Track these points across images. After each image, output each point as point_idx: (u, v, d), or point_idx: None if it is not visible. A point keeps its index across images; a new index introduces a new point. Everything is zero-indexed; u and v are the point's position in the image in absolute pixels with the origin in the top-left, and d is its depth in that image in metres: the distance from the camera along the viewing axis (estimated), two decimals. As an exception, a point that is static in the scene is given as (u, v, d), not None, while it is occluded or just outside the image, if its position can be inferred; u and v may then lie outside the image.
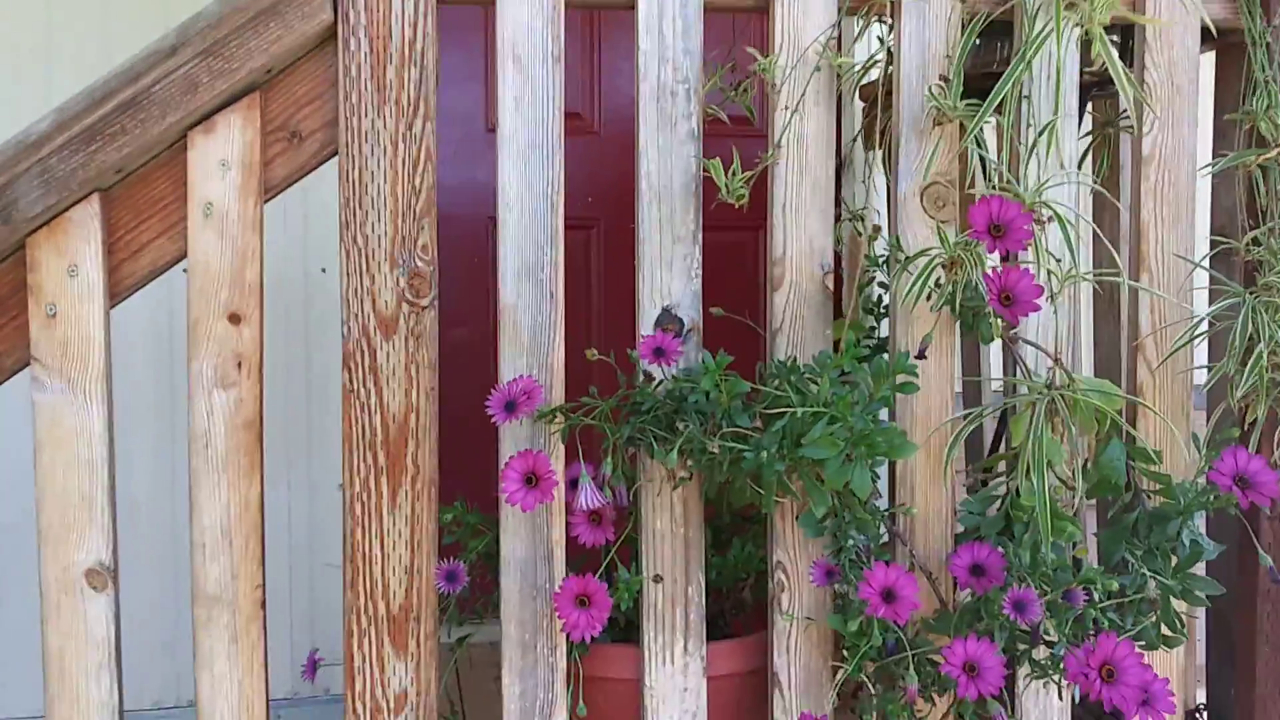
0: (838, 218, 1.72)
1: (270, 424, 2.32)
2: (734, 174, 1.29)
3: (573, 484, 1.29)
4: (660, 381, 1.30)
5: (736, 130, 1.46)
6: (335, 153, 1.26)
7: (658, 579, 1.33)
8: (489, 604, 1.41)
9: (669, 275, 1.34)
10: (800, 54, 1.32)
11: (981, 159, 1.31)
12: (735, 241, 2.39)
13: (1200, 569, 1.51)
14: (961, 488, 1.61)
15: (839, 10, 1.33)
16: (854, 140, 2.26)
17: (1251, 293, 1.31)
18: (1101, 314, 1.82)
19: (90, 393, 1.24)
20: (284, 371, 2.34)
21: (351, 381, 1.26)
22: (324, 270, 2.36)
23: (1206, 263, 1.40)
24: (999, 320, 1.28)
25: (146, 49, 1.21)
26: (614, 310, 2.59)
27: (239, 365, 1.26)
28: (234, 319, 1.26)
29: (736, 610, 1.54)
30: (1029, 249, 1.25)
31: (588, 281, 2.63)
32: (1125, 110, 1.51)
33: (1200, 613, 1.58)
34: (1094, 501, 1.52)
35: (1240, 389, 1.26)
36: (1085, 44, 1.34)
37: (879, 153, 1.61)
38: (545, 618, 1.33)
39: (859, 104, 1.95)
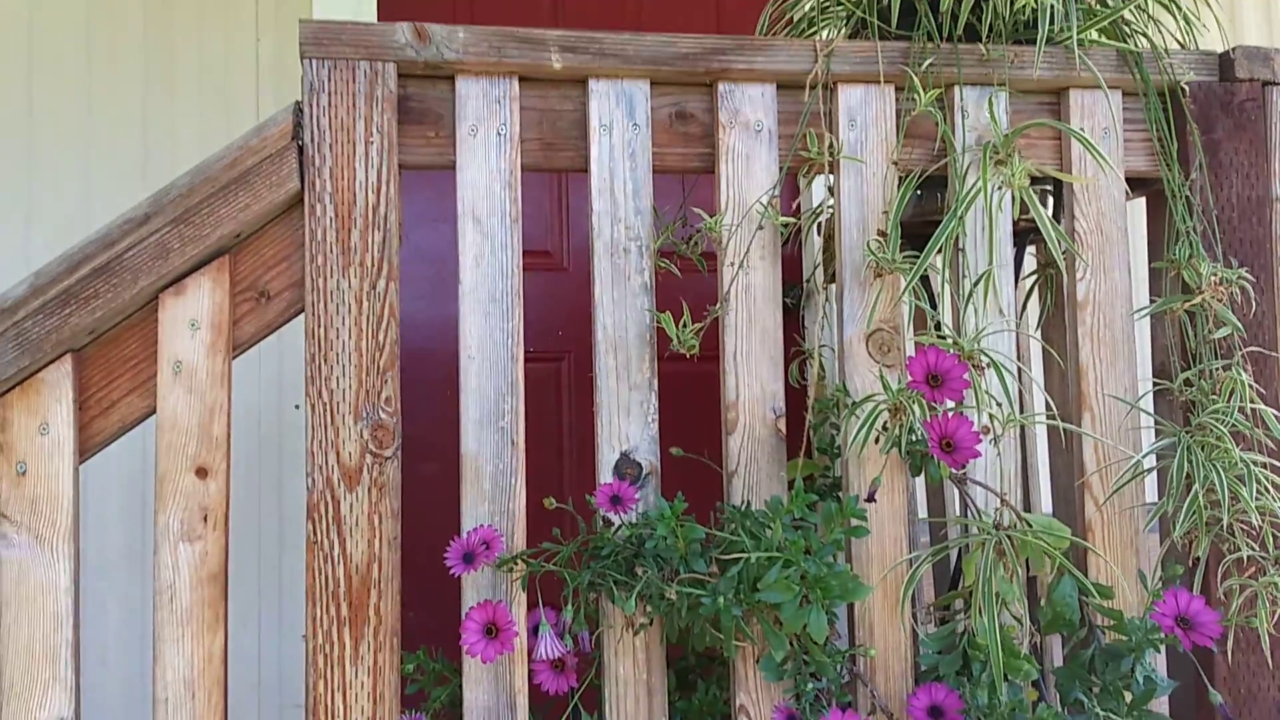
0: (798, 354, 1.78)
1: (242, 561, 2.33)
2: (684, 326, 1.35)
3: (534, 631, 1.31)
4: (619, 526, 1.33)
5: (688, 279, 1.52)
6: (301, 311, 1.31)
7: (617, 726, 1.34)
8: (455, 754, 1.41)
9: (626, 421, 1.39)
10: (744, 212, 1.39)
11: (922, 308, 1.37)
12: (700, 372, 2.45)
13: (1163, 703, 1.53)
14: (928, 623, 1.63)
15: (780, 170, 1.41)
16: (812, 274, 2.34)
17: (1187, 432, 1.36)
18: (1056, 447, 1.86)
19: (58, 549, 1.26)
20: (256, 508, 2.36)
21: (315, 533, 1.28)
22: (297, 407, 2.40)
23: (1144, 403, 1.45)
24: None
25: (121, 216, 1.27)
26: (586, 438, 2.63)
27: (205, 518, 1.29)
28: (201, 472, 1.29)
29: (701, 752, 1.53)
30: (968, 395, 1.30)
31: (559, 412, 2.68)
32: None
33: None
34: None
35: (1179, 528, 1.30)
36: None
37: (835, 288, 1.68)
38: (507, 766, 1.33)
39: (817, 239, 2.03)
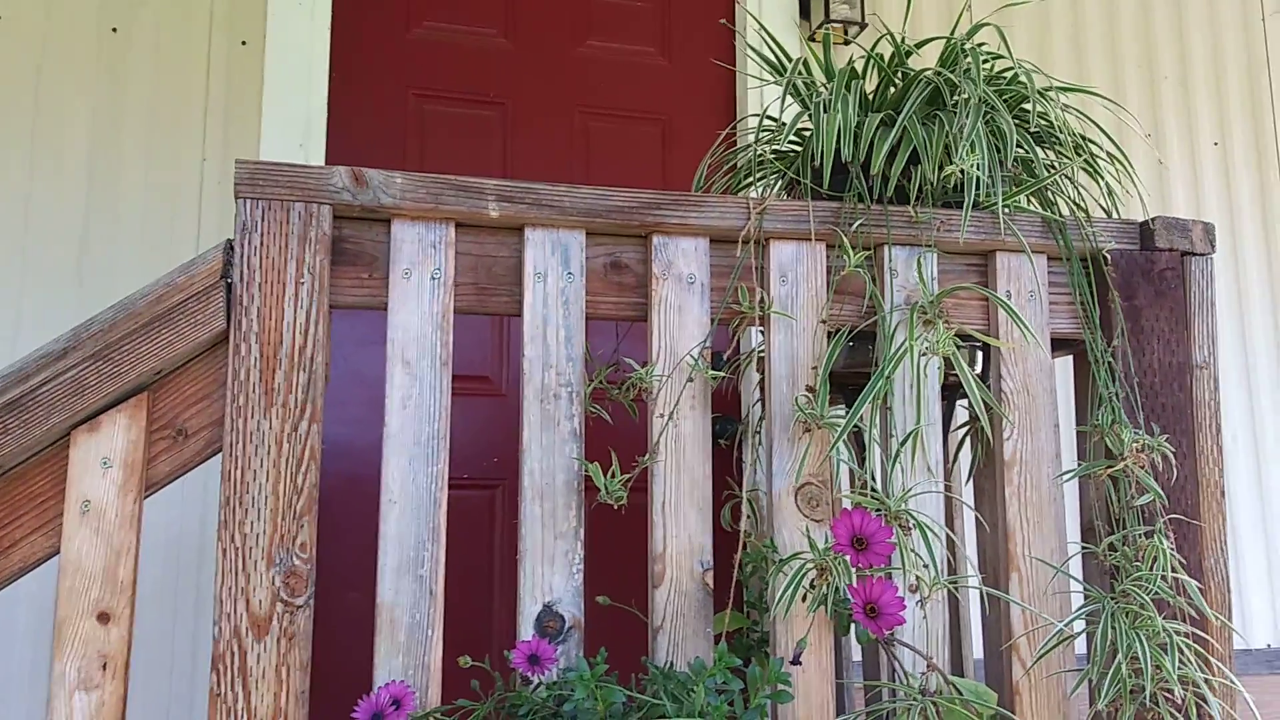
0: (730, 496, 1.76)
1: (155, 699, 2.22)
2: (613, 475, 1.34)
3: (443, 793, 1.25)
4: (539, 684, 1.29)
5: (620, 424, 1.52)
6: (219, 450, 1.28)
7: None
8: None
9: (550, 571, 1.36)
10: (676, 363, 1.40)
11: (850, 465, 1.37)
12: (632, 510, 2.43)
13: None
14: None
15: (712, 322, 1.42)
16: (748, 411, 2.35)
17: (1112, 598, 1.36)
18: (991, 619, 1.86)
19: (-60, 696, 1.20)
20: (170, 641, 2.27)
21: (219, 685, 1.23)
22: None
23: (1072, 565, 1.45)
24: (871, 623, 1.30)
25: (38, 350, 1.24)
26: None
27: (104, 666, 1.23)
28: (103, 618, 1.23)
29: None
30: (892, 558, 1.29)
31: (490, 544, 2.63)
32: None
33: None
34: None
35: (1105, 696, 1.29)
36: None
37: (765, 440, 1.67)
38: None
39: (755, 375, 2.04)
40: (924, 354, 1.35)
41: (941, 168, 1.45)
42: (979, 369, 1.67)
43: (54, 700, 1.22)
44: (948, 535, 1.38)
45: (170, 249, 2.38)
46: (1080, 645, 1.52)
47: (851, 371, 1.61)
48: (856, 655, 2.16)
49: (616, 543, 2.61)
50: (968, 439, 1.79)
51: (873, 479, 1.41)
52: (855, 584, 1.22)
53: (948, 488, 1.49)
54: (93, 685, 1.22)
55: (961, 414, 1.84)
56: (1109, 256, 1.54)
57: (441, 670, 1.31)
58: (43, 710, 2.20)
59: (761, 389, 1.64)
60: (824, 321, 1.43)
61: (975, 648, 1.80)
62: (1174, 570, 1.35)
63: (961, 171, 1.42)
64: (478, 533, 2.60)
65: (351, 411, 2.51)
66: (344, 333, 2.50)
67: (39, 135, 2.38)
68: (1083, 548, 1.47)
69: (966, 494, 1.77)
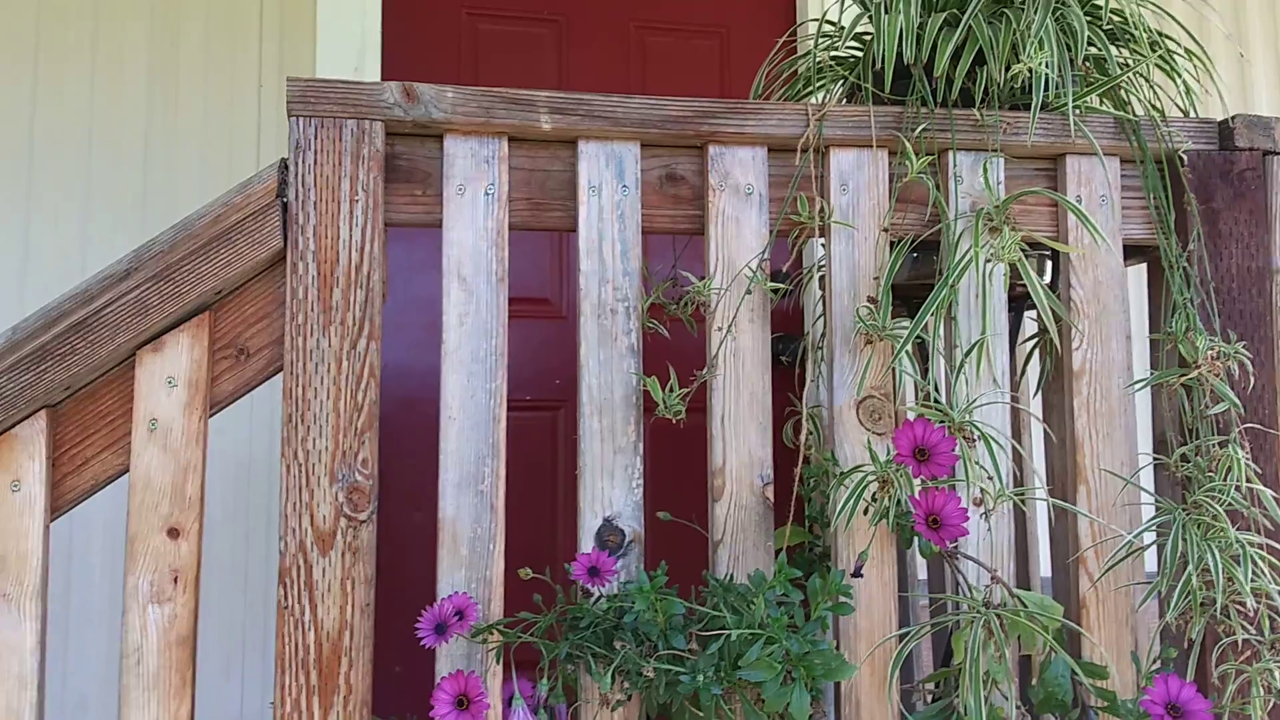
0: (793, 414, 1.75)
1: (229, 614, 2.30)
2: (671, 390, 1.32)
3: (509, 703, 1.27)
4: (599, 596, 1.30)
5: (678, 340, 1.50)
6: (280, 369, 1.29)
7: (591, 805, 1.30)
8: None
9: (610, 486, 1.36)
10: (734, 276, 1.37)
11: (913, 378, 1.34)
12: (692, 430, 2.43)
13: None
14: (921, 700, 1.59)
15: (770, 234, 1.39)
16: (811, 328, 2.32)
17: (1184, 510, 1.33)
18: (1058, 513, 1.83)
19: (24, 609, 1.24)
20: (244, 561, 2.33)
21: (286, 598, 1.25)
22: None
23: (1142, 477, 1.42)
24: (934, 536, 1.29)
25: (102, 272, 1.26)
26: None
27: (175, 580, 1.26)
28: (173, 533, 1.26)
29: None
30: (956, 470, 1.27)
31: (554, 463, 2.65)
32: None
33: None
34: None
35: (1173, 609, 1.27)
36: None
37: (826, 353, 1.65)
38: (479, 841, 1.29)
39: (818, 291, 2.00)
40: (989, 261, 1.31)
41: (1008, 68, 1.39)
42: (1048, 279, 1.62)
43: (128, 614, 1.26)
44: (1014, 447, 1.35)
45: (231, 172, 2.39)
46: (1151, 562, 1.49)
47: (915, 284, 1.57)
48: (923, 574, 2.15)
49: (679, 460, 2.61)
50: (1036, 352, 1.75)
51: (936, 391, 1.38)
52: (917, 495, 1.20)
53: (1014, 399, 1.46)
54: (165, 598, 1.25)
55: (1030, 326, 1.80)
56: (1185, 158, 1.47)
57: (504, 584, 1.33)
58: (111, 660, 2.28)
59: (823, 302, 1.62)
60: (886, 230, 1.39)
61: (1043, 566, 1.77)
62: (1249, 480, 1.31)
63: (1029, 70, 1.36)
64: (541, 453, 2.62)
65: (412, 336, 2.52)
66: (401, 258, 2.51)
67: (99, 64, 2.40)
68: (1154, 459, 1.43)
69: (1035, 407, 1.73)
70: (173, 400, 1.27)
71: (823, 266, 1.54)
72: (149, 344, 1.27)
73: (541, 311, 2.65)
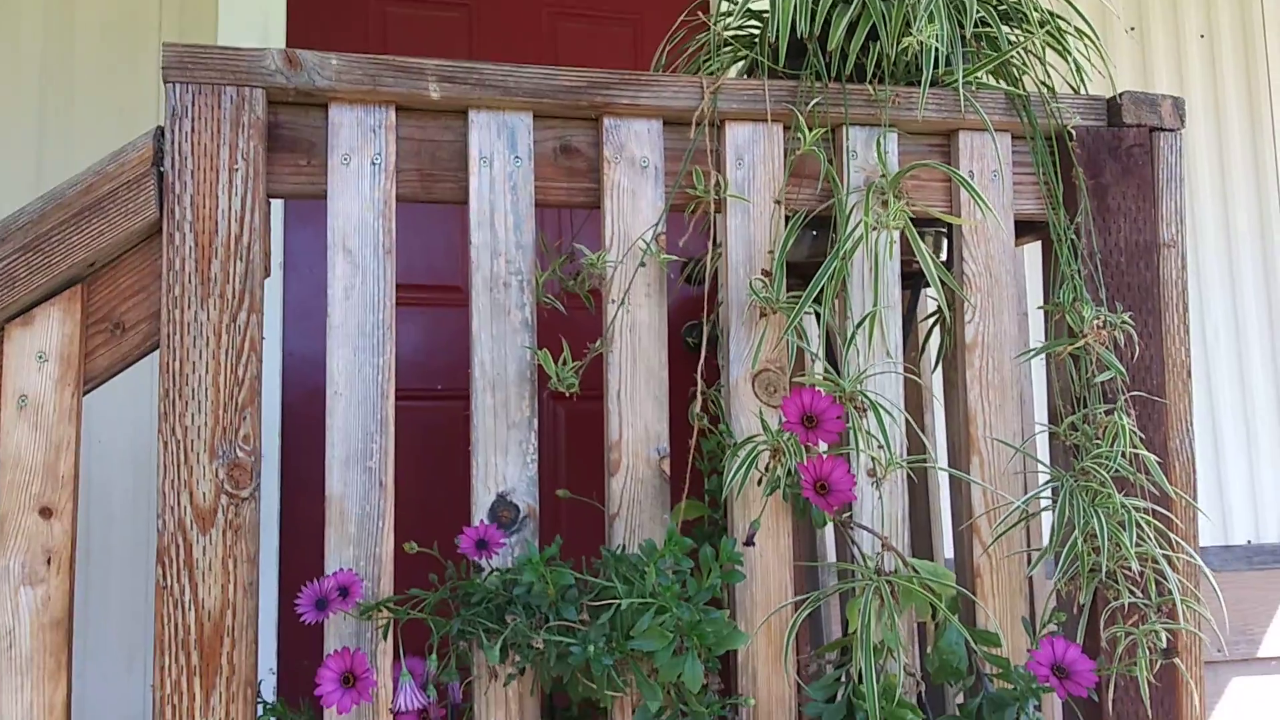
0: (694, 395, 1.74)
1: (131, 604, 2.23)
2: (564, 363, 1.31)
3: (397, 682, 1.25)
4: (491, 572, 1.28)
5: (577, 317, 1.49)
6: (159, 344, 1.25)
7: (480, 782, 1.28)
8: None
9: (504, 461, 1.34)
10: (629, 248, 1.36)
11: (803, 350, 1.35)
12: (590, 412, 2.43)
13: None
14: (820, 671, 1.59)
15: (666, 207, 1.38)
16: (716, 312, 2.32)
17: (1071, 477, 1.34)
18: (956, 489, 1.85)
19: (-116, 593, 1.19)
20: (146, 549, 2.27)
21: (165, 577, 1.22)
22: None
23: (1032, 447, 1.43)
24: (828, 506, 1.29)
25: (-35, 243, 1.21)
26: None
27: (48, 561, 1.22)
28: (45, 513, 1.22)
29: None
30: (846, 438, 1.27)
31: (468, 453, 2.61)
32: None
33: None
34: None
35: (1061, 572, 1.28)
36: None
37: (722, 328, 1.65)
38: (370, 825, 1.27)
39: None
40: (876, 229, 1.31)
41: (899, 41, 1.40)
42: (944, 257, 1.63)
43: None
44: (906, 419, 1.36)
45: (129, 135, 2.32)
46: (1046, 536, 1.51)
47: (812, 263, 1.57)
48: (830, 556, 2.16)
49: (582, 441, 2.60)
50: (932, 333, 1.77)
51: (830, 363, 1.39)
52: (806, 462, 1.20)
53: (910, 373, 1.47)
54: (38, 580, 1.21)
55: (932, 305, 1.81)
56: (1074, 133, 1.49)
57: (394, 563, 1.30)
58: None
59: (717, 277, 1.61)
60: (780, 203, 1.39)
61: (947, 547, 1.79)
62: (1134, 447, 1.33)
63: (920, 45, 1.37)
64: (451, 444, 2.58)
65: (320, 322, 2.47)
66: (310, 240, 2.46)
67: (-13, 42, 2.32)
68: (1045, 427, 1.45)
69: (936, 386, 1.75)
70: (44, 376, 1.23)
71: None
72: (18, 318, 1.22)
73: (453, 300, 2.62)
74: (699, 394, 1.41)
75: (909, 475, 1.44)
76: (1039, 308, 1.48)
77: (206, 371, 1.23)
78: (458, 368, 2.59)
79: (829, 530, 2.03)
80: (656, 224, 1.38)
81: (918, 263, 1.49)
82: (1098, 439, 1.35)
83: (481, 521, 1.29)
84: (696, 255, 1.73)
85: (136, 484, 2.28)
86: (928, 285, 1.69)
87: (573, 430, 2.61)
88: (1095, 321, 1.35)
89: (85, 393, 1.25)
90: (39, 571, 1.21)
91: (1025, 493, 1.43)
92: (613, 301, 1.36)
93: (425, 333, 2.57)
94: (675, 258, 1.36)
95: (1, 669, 1.21)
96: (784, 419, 1.20)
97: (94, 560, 2.26)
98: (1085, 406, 1.38)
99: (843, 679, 1.37)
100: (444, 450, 2.55)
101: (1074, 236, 1.43)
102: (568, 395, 1.32)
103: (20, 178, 2.31)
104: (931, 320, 1.76)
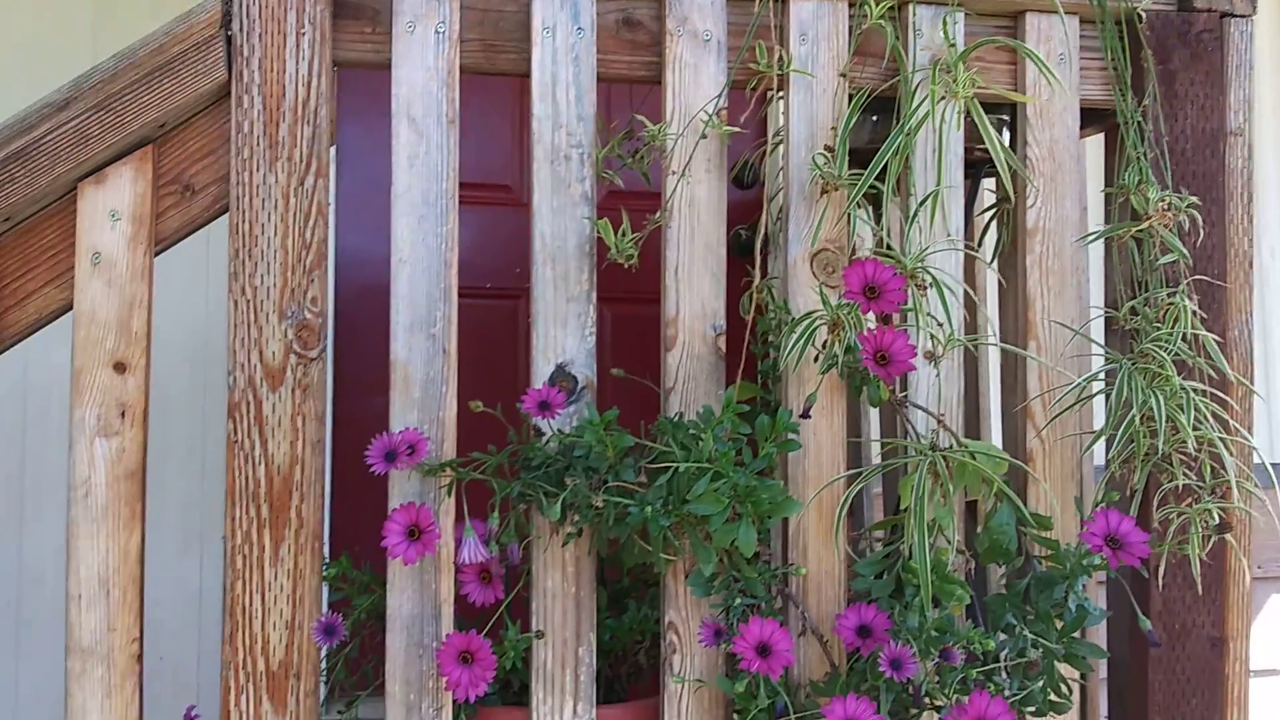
0: (749, 284, 1.74)
1: (188, 495, 2.29)
2: (623, 234, 1.32)
3: (459, 542, 1.28)
4: (551, 437, 1.30)
5: (635, 196, 1.49)
6: (227, 209, 1.27)
7: (539, 634, 1.31)
8: (381, 668, 1.38)
9: (563, 333, 1.36)
10: (689, 121, 1.36)
11: (867, 227, 1.34)
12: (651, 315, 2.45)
13: (1100, 635, 1.52)
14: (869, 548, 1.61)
15: (727, 82, 1.37)
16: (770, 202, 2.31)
17: (1130, 359, 1.34)
18: (1009, 387, 1.85)
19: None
20: (201, 401, 2.32)
21: (236, 432, 1.25)
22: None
23: (1089, 330, 1.43)
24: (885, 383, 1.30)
25: (40, 101, 1.23)
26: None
27: (123, 414, 1.25)
28: (119, 367, 1.25)
29: (633, 675, 1.52)
30: (910, 315, 1.28)
31: (514, 353, 2.64)
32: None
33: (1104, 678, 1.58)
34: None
35: (1115, 453, 1.29)
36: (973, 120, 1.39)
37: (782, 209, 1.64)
38: (430, 677, 1.31)
39: (779, 162, 1.99)
40: (943, 98, 1.30)
41: (971, -85, 1.37)
42: (1004, 146, 1.61)
43: (74, 447, 1.25)
44: (966, 294, 1.35)
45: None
46: (1099, 422, 1.51)
47: (872, 148, 1.55)
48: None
49: (630, 332, 2.60)
50: (990, 224, 1.75)
51: (890, 240, 1.38)
52: (866, 332, 1.21)
53: (970, 249, 1.46)
54: (112, 432, 1.25)
55: (990, 199, 1.80)
56: (1144, 16, 1.47)
57: (456, 428, 1.33)
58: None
59: (782, 157, 1.60)
60: (844, 76, 1.38)
61: (995, 435, 1.79)
62: (1195, 329, 1.33)
63: (992, -82, 1.34)
64: (499, 342, 2.60)
65: (372, 218, 2.49)
66: (361, 137, 2.47)
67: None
68: (1104, 312, 1.44)
69: (990, 284, 1.74)
70: (116, 234, 1.25)
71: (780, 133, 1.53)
72: (90, 176, 1.25)
73: (502, 198, 2.62)
74: (754, 277, 1.42)
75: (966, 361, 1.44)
76: (1104, 191, 1.47)
77: (275, 233, 1.25)
78: (506, 267, 2.61)
79: (874, 422, 2.03)
80: (718, 97, 1.37)
81: (979, 150, 1.48)
82: (1158, 322, 1.35)
83: (544, 384, 1.31)
84: (747, 157, 1.72)
85: (193, 378, 2.32)
86: (988, 175, 1.68)
87: (618, 334, 2.62)
88: (1160, 204, 1.33)
89: (156, 254, 1.28)
90: (114, 424, 1.25)
91: (1080, 376, 1.43)
92: (673, 173, 1.36)
93: (473, 231, 2.58)
94: (737, 129, 1.36)
95: (79, 516, 1.25)
96: (845, 288, 1.20)
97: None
98: (1146, 290, 1.37)
99: (891, 555, 1.38)
100: (492, 349, 2.57)
101: (1140, 119, 1.41)
102: (625, 267, 1.33)
103: (78, 49, 2.32)
104: (991, 214, 1.75)
